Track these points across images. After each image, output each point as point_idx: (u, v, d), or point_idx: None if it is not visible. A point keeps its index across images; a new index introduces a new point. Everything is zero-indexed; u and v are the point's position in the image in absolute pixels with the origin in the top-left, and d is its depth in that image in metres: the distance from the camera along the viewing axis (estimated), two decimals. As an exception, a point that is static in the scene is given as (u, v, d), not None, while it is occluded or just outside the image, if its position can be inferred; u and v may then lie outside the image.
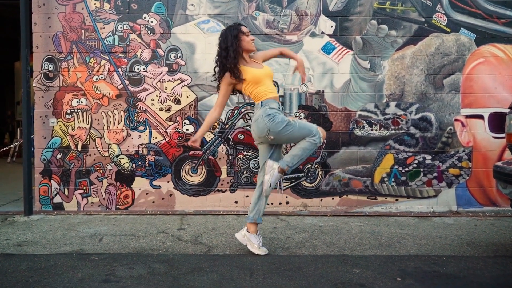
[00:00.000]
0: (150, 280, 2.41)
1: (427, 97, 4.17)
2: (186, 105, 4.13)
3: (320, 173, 4.18)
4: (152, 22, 4.10)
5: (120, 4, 4.08)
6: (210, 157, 4.15)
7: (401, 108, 4.17)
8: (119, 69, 4.10)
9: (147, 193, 4.15)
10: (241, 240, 2.94)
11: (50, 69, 4.08)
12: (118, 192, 4.13)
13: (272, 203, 4.13)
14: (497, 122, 4.16)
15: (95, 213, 4.07)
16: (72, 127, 4.11)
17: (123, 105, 4.11)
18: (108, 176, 4.12)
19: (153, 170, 4.13)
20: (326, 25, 4.13)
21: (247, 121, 4.13)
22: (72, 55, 4.08)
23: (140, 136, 4.13)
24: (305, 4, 4.13)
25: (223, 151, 4.15)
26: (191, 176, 4.16)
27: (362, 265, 2.67)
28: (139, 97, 4.11)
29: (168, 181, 4.15)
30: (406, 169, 4.18)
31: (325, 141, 4.12)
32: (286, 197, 4.18)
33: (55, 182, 4.10)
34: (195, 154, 4.14)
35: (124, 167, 4.12)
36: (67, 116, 4.10)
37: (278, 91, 4.10)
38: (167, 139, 4.13)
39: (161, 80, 4.11)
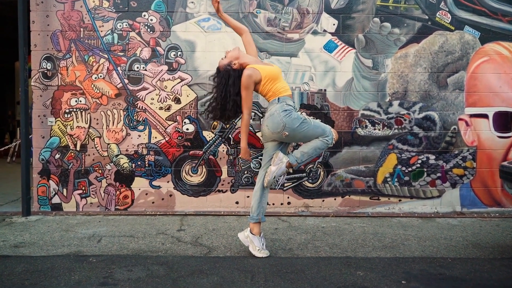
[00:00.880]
0: (148, 283, 2.35)
1: (431, 96, 4.11)
2: (186, 104, 4.07)
3: (322, 173, 4.12)
4: (151, 20, 4.04)
5: (119, 2, 4.03)
6: (211, 157, 4.10)
7: (405, 107, 4.11)
8: (119, 68, 4.04)
9: (146, 194, 4.09)
10: (243, 241, 2.89)
11: (49, 67, 4.02)
12: (118, 192, 4.08)
13: (273, 204, 4.08)
14: (502, 121, 4.10)
15: (94, 213, 4.01)
16: (70, 127, 4.05)
17: (122, 104, 4.05)
18: (107, 176, 4.07)
19: (153, 170, 4.08)
20: (328, 23, 4.07)
21: (248, 121, 4.07)
22: (70, 54, 4.03)
23: (139, 136, 4.07)
24: (306, 2, 4.07)
25: (223, 150, 4.10)
26: (191, 176, 4.10)
27: (366, 267, 2.61)
28: (138, 96, 4.05)
29: (168, 181, 4.09)
30: (410, 169, 4.12)
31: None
32: (288, 197, 4.12)
33: (54, 182, 4.05)
34: (195, 154, 4.09)
35: (123, 167, 4.07)
36: (65, 115, 4.05)
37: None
38: (167, 139, 4.08)
39: (161, 79, 4.05)
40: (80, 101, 4.05)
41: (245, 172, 4.10)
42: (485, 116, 4.13)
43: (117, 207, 4.08)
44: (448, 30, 4.10)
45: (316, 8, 4.07)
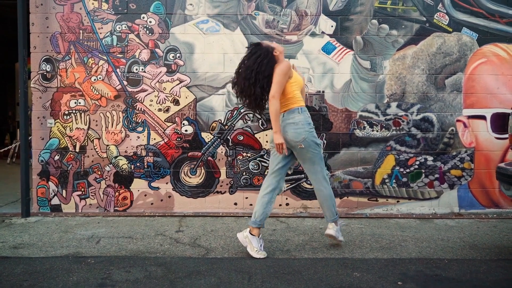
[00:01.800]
0: (146, 284, 2.37)
1: (429, 98, 4.13)
2: (185, 106, 4.09)
3: (320, 174, 4.13)
4: (150, 22, 4.06)
5: (118, 4, 4.05)
6: (209, 158, 4.11)
7: (402, 108, 4.12)
8: (118, 70, 4.06)
9: (145, 195, 4.11)
10: (242, 241, 2.90)
11: (48, 69, 4.04)
12: (117, 193, 4.10)
13: (272, 205, 4.09)
14: (499, 122, 4.11)
15: (93, 214, 4.03)
16: (70, 128, 4.07)
17: (121, 106, 4.07)
18: (107, 178, 4.09)
19: (152, 172, 4.10)
20: (327, 24, 4.09)
21: (247, 122, 4.09)
22: (70, 56, 4.05)
23: (138, 137, 4.09)
24: (305, 4, 4.08)
25: (222, 152, 4.11)
26: (190, 177, 4.12)
27: (362, 268, 2.63)
28: (137, 98, 4.07)
29: (167, 183, 4.11)
30: (408, 170, 4.14)
31: (325, 141, 4.08)
32: (286, 198, 4.13)
33: (53, 183, 4.07)
34: (194, 155, 4.10)
35: (122, 168, 4.09)
36: (65, 117, 4.07)
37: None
38: (165, 140, 4.10)
39: (159, 80, 4.07)
40: (80, 103, 4.07)
41: (244, 174, 4.12)
42: (483, 117, 4.14)
43: (116, 208, 4.10)
44: (446, 32, 4.12)
45: (314, 10, 4.09)
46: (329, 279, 2.45)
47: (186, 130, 4.10)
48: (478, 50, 4.13)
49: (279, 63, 2.90)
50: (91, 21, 4.05)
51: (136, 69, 4.07)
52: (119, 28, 4.05)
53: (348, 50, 4.10)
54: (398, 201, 4.15)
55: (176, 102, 4.08)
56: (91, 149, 4.08)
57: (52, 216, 4.00)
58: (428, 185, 4.15)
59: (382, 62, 4.11)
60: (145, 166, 4.09)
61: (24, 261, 2.75)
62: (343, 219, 3.61)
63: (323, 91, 4.10)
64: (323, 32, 4.10)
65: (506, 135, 4.10)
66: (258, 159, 4.10)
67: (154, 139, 4.09)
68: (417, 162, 4.14)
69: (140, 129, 4.09)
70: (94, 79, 4.06)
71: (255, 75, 2.85)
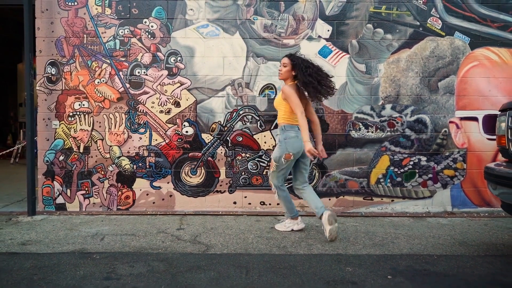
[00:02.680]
0: (149, 278, 2.49)
1: (422, 100, 4.25)
2: (186, 108, 4.22)
3: (317, 174, 4.26)
4: (152, 26, 4.19)
5: (121, 9, 4.18)
6: (209, 158, 4.24)
7: (397, 110, 4.25)
8: (120, 73, 4.19)
9: (147, 194, 4.24)
10: (282, 229, 3.53)
11: (53, 72, 4.17)
12: (119, 193, 4.23)
13: (270, 204, 4.22)
14: (491, 124, 4.23)
15: (97, 213, 4.16)
16: (74, 129, 4.20)
17: (124, 107, 4.20)
18: (110, 177, 4.22)
19: (154, 172, 4.23)
20: (323, 29, 4.22)
21: (245, 123, 4.22)
22: (74, 59, 4.18)
23: (140, 138, 4.22)
24: (302, 9, 4.21)
25: (222, 152, 4.24)
26: (191, 177, 4.25)
27: (355, 263, 2.75)
28: (139, 100, 4.20)
29: (168, 182, 4.24)
30: (402, 170, 4.26)
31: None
32: (284, 197, 4.25)
33: (58, 183, 4.20)
34: (194, 156, 4.23)
35: (125, 168, 4.22)
36: (69, 118, 4.20)
37: (276, 94, 4.19)
38: (167, 141, 4.22)
39: (161, 83, 4.20)
40: (84, 105, 4.20)
41: (243, 173, 4.24)
42: (475, 119, 4.26)
43: (119, 207, 4.23)
44: (439, 36, 4.24)
45: (311, 14, 4.22)
46: (323, 273, 2.58)
47: (186, 131, 4.23)
48: (470, 54, 4.26)
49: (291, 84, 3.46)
50: (95, 25, 4.18)
51: (138, 72, 4.19)
52: (121, 32, 4.18)
53: (344, 53, 4.23)
54: (392, 200, 4.28)
55: (177, 104, 4.21)
56: (95, 149, 4.21)
57: (57, 214, 4.13)
58: (421, 184, 4.27)
59: (377, 65, 4.23)
60: (147, 166, 4.22)
61: (33, 256, 2.87)
62: (338, 217, 3.73)
63: (320, 94, 4.22)
64: (319, 36, 4.22)
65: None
66: (256, 159, 4.23)
67: (156, 140, 4.22)
68: (411, 162, 4.26)
69: (142, 130, 4.22)
70: (98, 82, 4.19)
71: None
